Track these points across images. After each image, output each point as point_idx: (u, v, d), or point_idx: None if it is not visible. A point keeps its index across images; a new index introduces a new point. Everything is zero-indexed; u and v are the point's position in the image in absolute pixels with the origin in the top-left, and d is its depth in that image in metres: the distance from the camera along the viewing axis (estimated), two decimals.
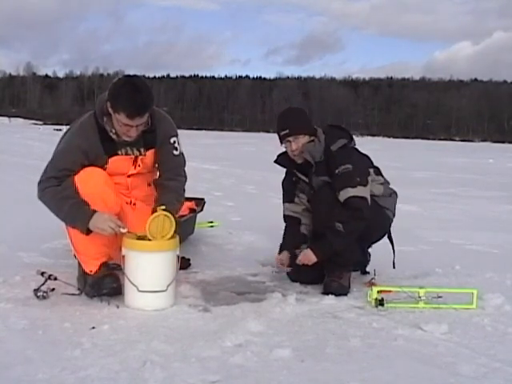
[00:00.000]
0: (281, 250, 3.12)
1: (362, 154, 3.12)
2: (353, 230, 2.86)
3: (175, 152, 2.86)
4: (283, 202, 3.20)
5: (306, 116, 3.09)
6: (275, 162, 3.18)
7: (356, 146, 3.11)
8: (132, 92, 2.54)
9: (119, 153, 2.74)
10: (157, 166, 2.90)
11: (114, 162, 2.73)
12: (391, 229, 3.19)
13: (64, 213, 2.61)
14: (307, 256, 2.91)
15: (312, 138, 2.99)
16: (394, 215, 3.13)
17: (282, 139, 3.01)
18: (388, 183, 3.15)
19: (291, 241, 3.12)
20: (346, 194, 2.85)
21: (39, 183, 2.67)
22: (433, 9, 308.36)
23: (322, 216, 2.92)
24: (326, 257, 2.90)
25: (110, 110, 2.61)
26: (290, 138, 2.98)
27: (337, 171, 2.90)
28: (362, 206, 2.85)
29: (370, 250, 3.28)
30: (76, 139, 2.69)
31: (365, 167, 3.02)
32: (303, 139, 2.97)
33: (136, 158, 2.78)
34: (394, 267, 3.20)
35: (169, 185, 2.83)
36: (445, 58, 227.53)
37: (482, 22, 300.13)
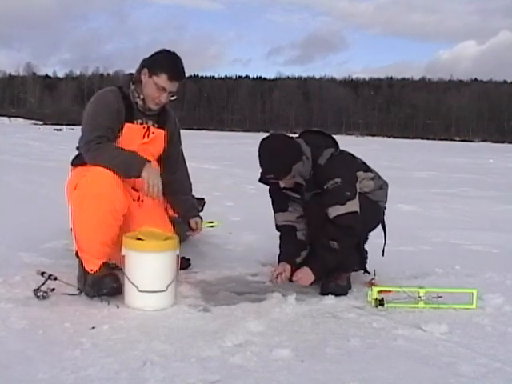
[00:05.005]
0: (279, 262, 2.98)
1: (348, 156, 3.02)
2: (347, 246, 2.87)
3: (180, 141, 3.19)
4: (275, 212, 3.07)
5: (290, 150, 2.81)
6: (260, 181, 2.91)
7: (342, 149, 3.01)
8: (174, 58, 2.84)
9: (135, 122, 2.87)
10: (166, 153, 3.04)
11: (129, 128, 2.84)
12: (385, 217, 3.18)
13: (119, 159, 2.67)
14: (305, 276, 2.85)
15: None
16: (386, 202, 3.13)
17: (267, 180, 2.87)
18: (378, 176, 3.11)
19: (290, 249, 3.00)
20: (335, 211, 2.78)
21: (86, 143, 2.72)
22: (438, 8, 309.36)
23: (316, 230, 2.87)
24: (322, 276, 2.89)
25: (145, 75, 2.79)
26: (277, 181, 2.86)
27: (325, 186, 2.80)
28: (353, 222, 2.80)
29: (366, 247, 3.24)
30: (108, 99, 2.82)
31: (353, 176, 2.90)
32: (291, 175, 2.81)
33: (148, 128, 2.91)
34: (382, 255, 3.18)
35: (183, 181, 3.19)
36: (449, 58, 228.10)
37: (488, 21, 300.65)
